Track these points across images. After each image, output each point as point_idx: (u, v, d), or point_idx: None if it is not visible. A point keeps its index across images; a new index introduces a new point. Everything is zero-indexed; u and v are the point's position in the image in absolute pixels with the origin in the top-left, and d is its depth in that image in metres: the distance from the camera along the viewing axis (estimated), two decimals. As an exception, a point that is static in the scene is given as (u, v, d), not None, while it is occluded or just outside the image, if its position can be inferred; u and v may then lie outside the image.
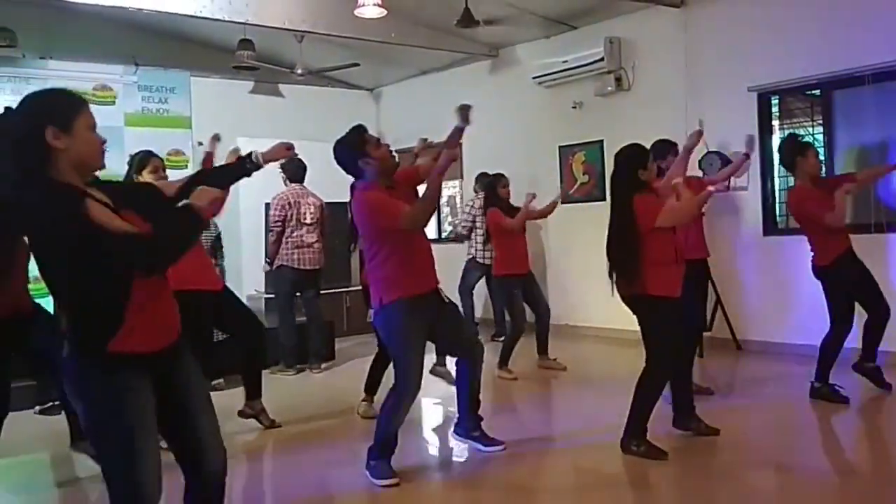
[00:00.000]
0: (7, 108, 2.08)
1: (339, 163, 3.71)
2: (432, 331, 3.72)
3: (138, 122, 7.82)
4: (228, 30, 7.52)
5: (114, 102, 7.71)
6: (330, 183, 6.95)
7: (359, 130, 3.70)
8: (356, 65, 8.39)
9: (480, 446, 4.02)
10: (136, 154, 4.42)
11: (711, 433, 4.08)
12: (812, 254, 4.75)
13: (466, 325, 4.02)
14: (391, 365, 3.87)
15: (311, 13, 7.14)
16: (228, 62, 8.22)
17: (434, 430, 4.78)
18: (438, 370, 5.66)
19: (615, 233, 3.87)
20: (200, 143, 8.09)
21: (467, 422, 4.05)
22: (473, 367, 3.94)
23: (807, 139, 6.48)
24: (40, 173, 2.00)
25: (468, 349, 3.93)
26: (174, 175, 7.50)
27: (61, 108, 2.06)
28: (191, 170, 7.66)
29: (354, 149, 3.65)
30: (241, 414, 4.62)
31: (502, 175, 6.29)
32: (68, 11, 7.07)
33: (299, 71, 8.17)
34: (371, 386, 4.90)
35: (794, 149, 4.72)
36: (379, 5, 6.09)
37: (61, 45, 7.61)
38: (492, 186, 6.21)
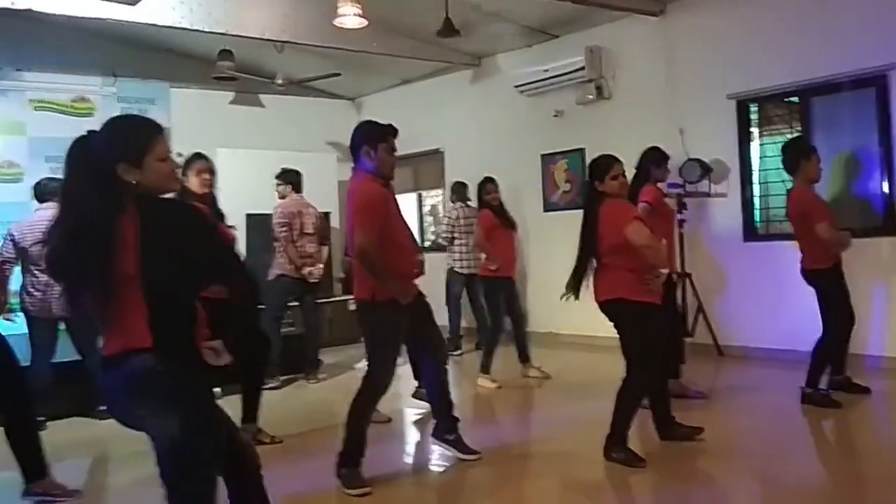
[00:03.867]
0: (90, 132, 2.24)
1: (352, 138, 3.78)
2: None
3: (117, 133, 7.75)
4: (208, 40, 7.49)
5: (93, 114, 7.64)
6: (312, 192, 6.98)
7: (389, 128, 3.76)
8: (337, 74, 8.38)
9: (457, 453, 4.01)
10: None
11: (696, 433, 4.09)
12: (802, 257, 4.74)
13: (435, 326, 4.03)
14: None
15: (291, 23, 7.12)
16: (208, 73, 8.17)
17: (414, 438, 4.77)
18: (421, 393, 5.54)
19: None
20: (180, 154, 8.04)
21: (442, 423, 4.06)
22: (438, 368, 3.98)
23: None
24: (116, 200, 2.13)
25: (433, 347, 3.98)
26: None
27: (133, 141, 2.20)
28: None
29: (370, 136, 3.70)
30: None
31: (487, 180, 6.26)
32: (44, 23, 7.01)
33: (279, 81, 8.14)
34: None
35: (801, 151, 4.76)
36: (359, 15, 6.08)
37: (38, 57, 7.54)
38: (479, 191, 6.25)
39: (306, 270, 6.25)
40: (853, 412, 4.71)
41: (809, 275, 4.71)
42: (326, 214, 7.93)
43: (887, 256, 5.71)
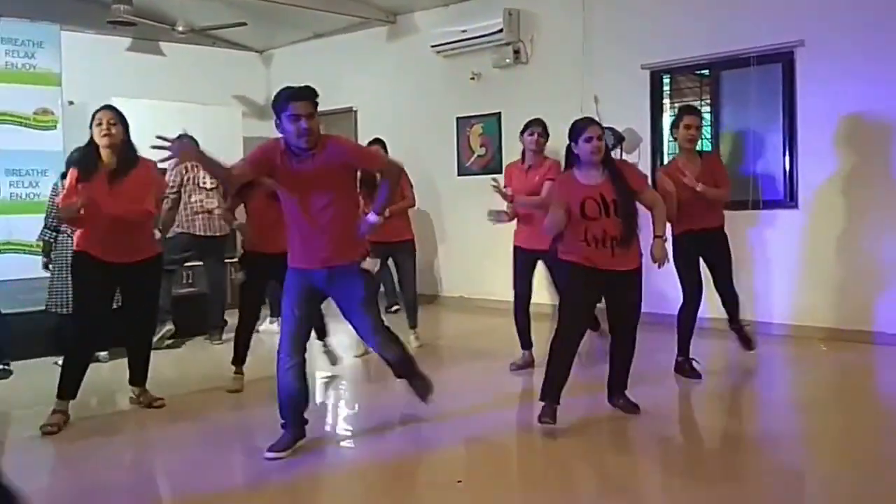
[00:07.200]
0: None
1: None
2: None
3: (1, 77, 7.12)
4: (103, -20, 6.96)
5: (-28, 54, 6.99)
6: (216, 148, 6.61)
7: (290, 94, 3.41)
8: (243, 24, 7.97)
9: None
10: None
11: (631, 412, 4.02)
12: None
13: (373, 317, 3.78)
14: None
15: (194, -34, 6.70)
16: (103, 16, 7.65)
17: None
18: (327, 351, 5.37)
19: None
20: (71, 103, 7.50)
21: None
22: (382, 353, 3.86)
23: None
24: None
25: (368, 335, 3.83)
26: (42, 135, 7.03)
27: None
28: (60, 131, 7.09)
29: (274, 105, 3.45)
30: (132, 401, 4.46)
31: (372, 141, 6.07)
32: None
33: (180, 28, 7.70)
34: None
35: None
36: (269, -38, 5.76)
37: None
38: None
39: (198, 224, 6.09)
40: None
41: None
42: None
43: (788, 228, 5.92)
